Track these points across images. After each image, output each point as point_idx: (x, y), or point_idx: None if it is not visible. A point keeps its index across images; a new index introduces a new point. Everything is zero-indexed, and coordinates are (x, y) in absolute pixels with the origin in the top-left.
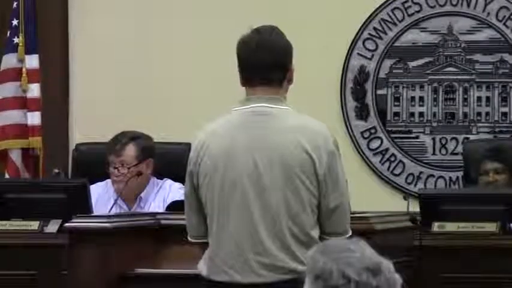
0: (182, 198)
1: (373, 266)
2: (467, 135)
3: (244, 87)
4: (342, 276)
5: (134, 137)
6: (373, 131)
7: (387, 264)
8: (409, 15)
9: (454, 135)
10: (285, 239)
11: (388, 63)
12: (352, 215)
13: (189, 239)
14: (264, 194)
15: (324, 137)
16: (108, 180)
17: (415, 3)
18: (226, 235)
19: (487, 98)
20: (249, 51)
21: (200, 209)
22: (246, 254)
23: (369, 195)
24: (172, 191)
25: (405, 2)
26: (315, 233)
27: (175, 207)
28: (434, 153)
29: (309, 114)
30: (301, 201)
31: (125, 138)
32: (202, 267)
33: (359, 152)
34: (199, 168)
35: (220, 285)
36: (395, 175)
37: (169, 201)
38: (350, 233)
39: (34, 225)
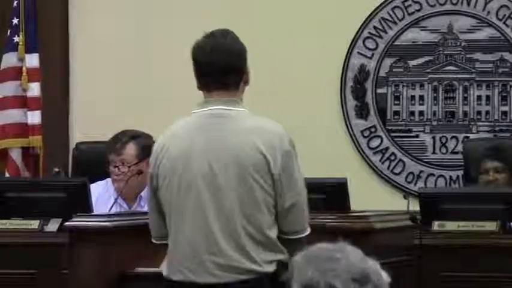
0: None
1: (361, 275)
2: (467, 134)
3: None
4: (330, 286)
5: (134, 135)
6: (373, 129)
7: (374, 269)
8: (409, 14)
9: (454, 134)
10: (239, 239)
11: (388, 62)
12: (352, 214)
13: (152, 240)
14: (219, 194)
15: (279, 138)
16: (108, 179)
17: (415, 2)
18: (182, 236)
19: (487, 97)
20: (204, 56)
21: (161, 211)
22: (201, 255)
23: (369, 194)
24: None
25: (405, 0)
26: (273, 233)
27: None
28: (434, 152)
29: (309, 113)
30: (255, 201)
31: (125, 137)
32: (163, 268)
33: (359, 151)
34: (158, 171)
35: (177, 285)
36: (396, 174)
37: None
38: (308, 231)
39: (34, 224)
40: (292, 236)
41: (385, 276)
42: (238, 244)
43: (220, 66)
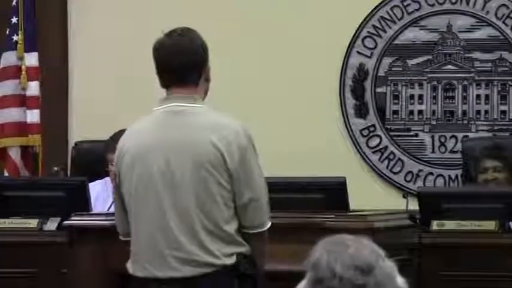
0: None
1: (364, 266)
2: (467, 133)
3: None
4: (328, 269)
5: None
6: (372, 129)
7: (386, 270)
8: (408, 13)
9: (453, 133)
10: (197, 234)
11: (387, 61)
12: (351, 213)
13: (120, 237)
14: (176, 190)
15: (235, 133)
16: (107, 178)
17: (415, 1)
18: (143, 232)
19: (486, 96)
20: (163, 54)
21: (124, 208)
22: (162, 250)
23: (368, 193)
24: None
25: (404, 0)
26: (231, 227)
27: None
28: (433, 151)
29: (308, 112)
30: (212, 196)
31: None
32: (128, 266)
33: (358, 150)
34: (120, 168)
35: (142, 281)
36: (395, 173)
37: None
38: (268, 225)
39: (33, 223)
40: (251, 230)
41: (401, 282)
42: (197, 239)
43: (177, 63)
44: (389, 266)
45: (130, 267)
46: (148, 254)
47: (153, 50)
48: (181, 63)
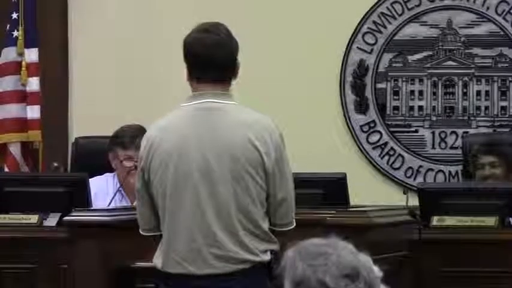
0: None
1: (351, 271)
2: (467, 129)
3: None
4: (320, 284)
5: (141, 130)
6: (372, 124)
7: (366, 265)
8: (408, 9)
9: (454, 129)
10: (236, 231)
11: (387, 57)
12: (351, 209)
13: (140, 232)
14: (214, 188)
15: (271, 131)
16: (108, 174)
17: None
18: (180, 229)
19: (487, 92)
20: (203, 50)
21: (152, 204)
22: (199, 246)
23: (368, 189)
24: None
25: None
26: (266, 224)
27: None
28: (433, 147)
29: (308, 108)
30: (250, 195)
31: (131, 132)
32: (157, 261)
33: (358, 146)
34: (150, 165)
35: (176, 278)
36: (395, 169)
37: None
38: (294, 224)
39: (33, 218)
40: (280, 228)
41: (377, 271)
42: (235, 236)
43: (219, 60)
44: (366, 259)
45: (159, 262)
46: (185, 250)
47: (188, 44)
48: (222, 60)
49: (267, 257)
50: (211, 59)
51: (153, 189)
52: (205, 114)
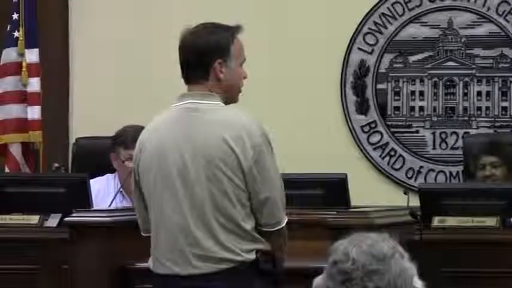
0: None
1: (381, 255)
2: (468, 130)
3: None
4: (344, 252)
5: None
6: (373, 125)
7: (403, 264)
8: (409, 10)
9: (454, 130)
10: (212, 230)
11: (388, 57)
12: (352, 210)
13: (141, 233)
14: (191, 188)
15: (248, 130)
16: (109, 175)
17: None
18: (162, 229)
19: (487, 93)
20: (179, 51)
21: (144, 205)
22: (182, 247)
23: (369, 190)
24: None
25: None
26: (248, 224)
27: None
28: (434, 148)
29: (309, 108)
30: (225, 194)
31: (133, 132)
32: (150, 262)
33: (359, 147)
34: (138, 166)
35: (162, 278)
36: (395, 169)
37: None
38: (285, 222)
39: (34, 219)
40: (267, 228)
41: (420, 285)
42: (213, 235)
43: (190, 62)
44: (409, 265)
45: (151, 264)
46: (169, 252)
47: (179, 48)
48: (193, 60)
49: (250, 256)
50: (184, 60)
51: (143, 190)
52: (184, 115)
